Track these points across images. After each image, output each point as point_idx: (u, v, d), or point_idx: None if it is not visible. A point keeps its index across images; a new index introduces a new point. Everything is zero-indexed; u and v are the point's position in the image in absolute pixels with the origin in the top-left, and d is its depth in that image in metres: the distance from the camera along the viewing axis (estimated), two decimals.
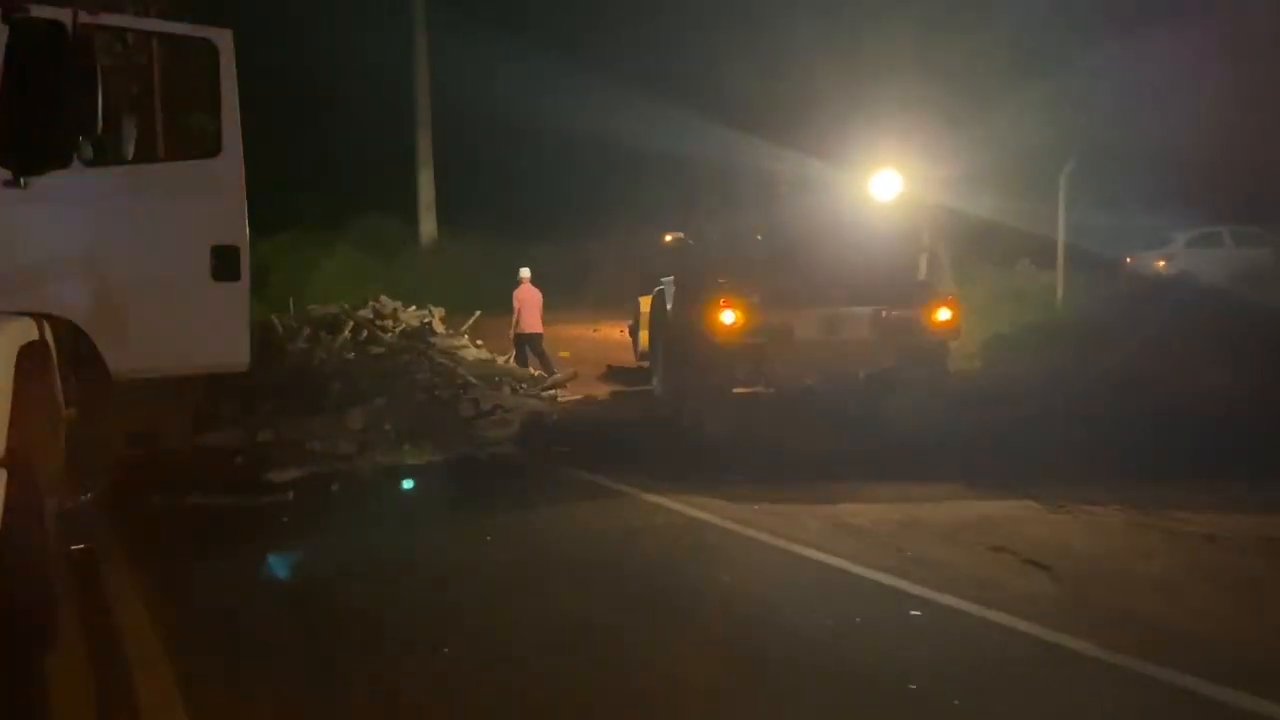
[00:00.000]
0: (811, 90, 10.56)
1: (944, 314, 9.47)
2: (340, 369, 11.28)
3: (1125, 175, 16.86)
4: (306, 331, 12.91)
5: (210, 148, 6.15)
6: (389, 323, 13.21)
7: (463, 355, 12.65)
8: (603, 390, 13.78)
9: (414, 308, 14.39)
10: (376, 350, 12.09)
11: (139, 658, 4.76)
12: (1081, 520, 6.80)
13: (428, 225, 27.20)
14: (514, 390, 11.86)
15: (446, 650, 4.87)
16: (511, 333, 14.74)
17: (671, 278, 11.69)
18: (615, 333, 17.30)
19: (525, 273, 15.07)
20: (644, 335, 13.23)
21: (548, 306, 14.96)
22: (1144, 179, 16.55)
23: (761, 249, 9.90)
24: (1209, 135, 16.24)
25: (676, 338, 10.63)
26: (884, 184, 9.58)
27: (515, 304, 14.71)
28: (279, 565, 6.39)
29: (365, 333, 12.64)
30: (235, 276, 6.08)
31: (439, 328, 13.79)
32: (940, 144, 10.19)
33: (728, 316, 9.28)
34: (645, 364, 13.11)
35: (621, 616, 5.31)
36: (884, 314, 9.35)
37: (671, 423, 10.27)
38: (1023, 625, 4.89)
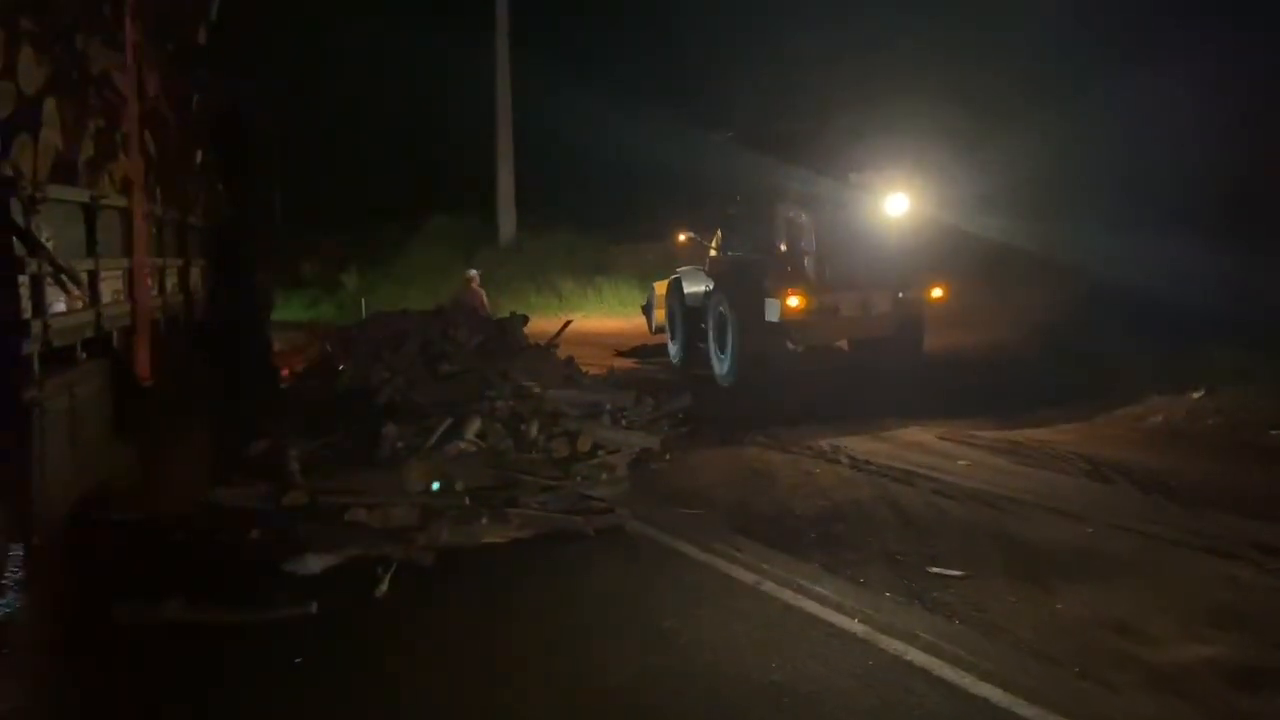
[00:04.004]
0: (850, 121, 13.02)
1: (937, 292, 11.89)
2: (401, 395, 8.39)
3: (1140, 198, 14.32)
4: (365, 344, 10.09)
5: None
6: (462, 334, 10.29)
7: (551, 372, 9.69)
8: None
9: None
10: (449, 369, 9.17)
11: None
12: None
13: (506, 223, 24.45)
14: (614, 419, 8.86)
15: None
16: None
17: (689, 267, 14.02)
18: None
19: (473, 273, 15.11)
20: (659, 313, 14.75)
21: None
22: (1157, 202, 13.76)
23: (813, 249, 11.76)
24: (1227, 158, 13.50)
25: (740, 316, 12.07)
26: (895, 203, 11.79)
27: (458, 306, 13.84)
28: None
29: (434, 347, 9.79)
30: None
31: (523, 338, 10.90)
32: (955, 165, 13.14)
33: (793, 301, 11.43)
34: (661, 334, 14.85)
35: None
36: (900, 294, 11.72)
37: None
38: None
